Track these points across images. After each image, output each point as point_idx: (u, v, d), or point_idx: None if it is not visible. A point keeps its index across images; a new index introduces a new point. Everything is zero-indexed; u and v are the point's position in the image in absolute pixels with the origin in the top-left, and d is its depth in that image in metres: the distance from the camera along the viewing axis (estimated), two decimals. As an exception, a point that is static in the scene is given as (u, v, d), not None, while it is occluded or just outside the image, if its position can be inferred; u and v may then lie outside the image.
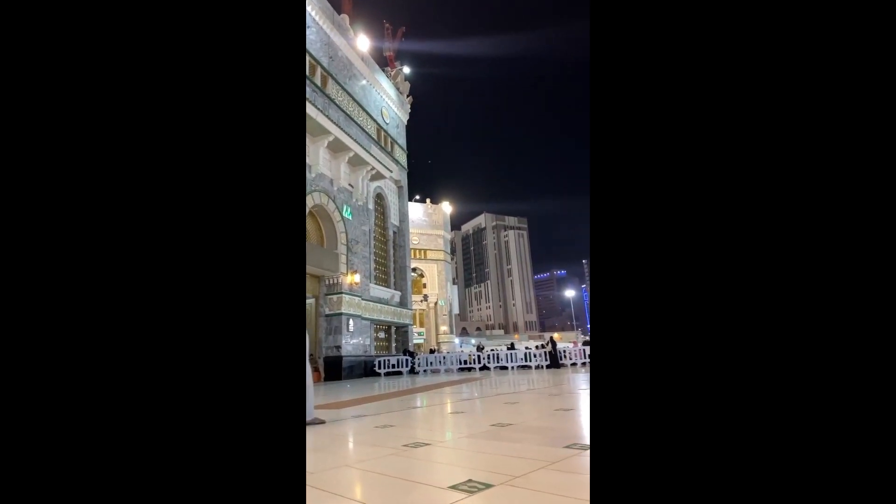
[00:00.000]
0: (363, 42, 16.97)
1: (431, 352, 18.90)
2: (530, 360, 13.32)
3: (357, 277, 13.62)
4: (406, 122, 20.84)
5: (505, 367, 13.36)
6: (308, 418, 3.69)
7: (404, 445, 2.51)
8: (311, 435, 3.21)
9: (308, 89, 12.77)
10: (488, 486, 1.62)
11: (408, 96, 21.39)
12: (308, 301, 12.86)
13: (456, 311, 35.21)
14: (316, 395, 7.14)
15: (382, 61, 22.54)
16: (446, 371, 14.24)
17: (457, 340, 33.43)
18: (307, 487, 1.77)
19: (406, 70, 22.99)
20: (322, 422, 3.74)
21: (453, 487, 1.63)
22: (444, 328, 29.16)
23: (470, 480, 1.70)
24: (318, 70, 13.82)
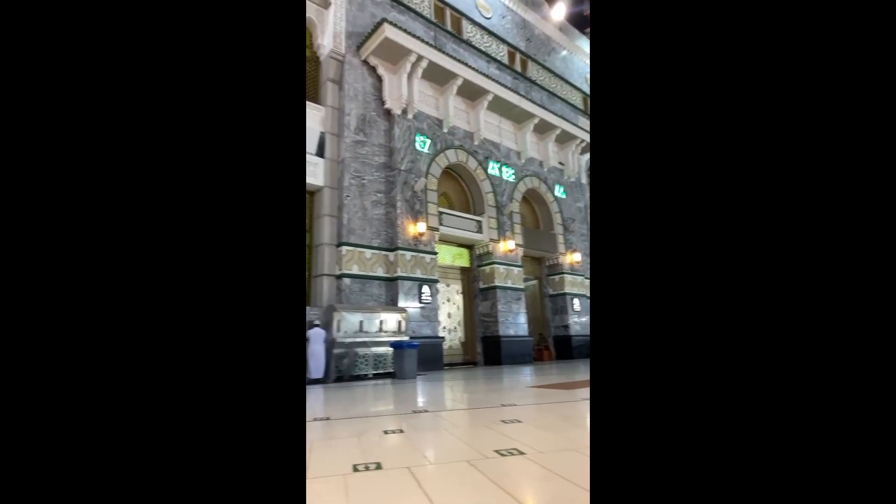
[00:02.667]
0: (559, 10, 16.23)
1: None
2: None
3: (577, 256, 13.30)
4: (615, 82, 18.87)
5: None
6: None
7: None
8: (539, 412, 3.35)
9: (509, 78, 13.14)
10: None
11: (614, 52, 19.29)
12: (531, 283, 13.36)
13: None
14: (549, 374, 7.40)
15: (583, 22, 21.01)
16: (693, 355, 12.36)
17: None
18: (539, 468, 1.87)
19: (609, 23, 20.73)
20: None
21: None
22: (686, 305, 25.28)
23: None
24: (517, 56, 14.02)
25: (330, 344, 7.32)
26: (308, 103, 9.15)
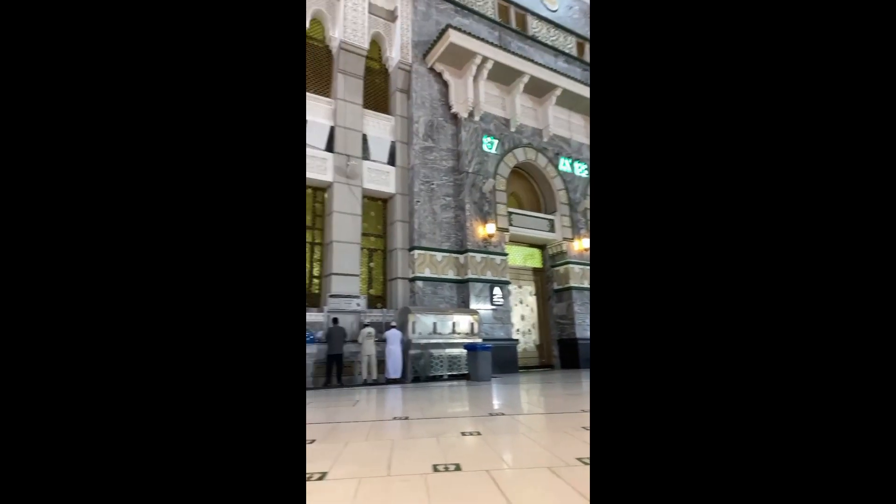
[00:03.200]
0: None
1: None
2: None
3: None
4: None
5: None
6: None
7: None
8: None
9: (578, 70, 12.63)
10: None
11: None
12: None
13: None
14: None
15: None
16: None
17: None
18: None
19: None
20: None
21: None
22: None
23: None
24: (587, 46, 13.44)
25: (406, 345, 7.55)
26: (379, 114, 9.58)
